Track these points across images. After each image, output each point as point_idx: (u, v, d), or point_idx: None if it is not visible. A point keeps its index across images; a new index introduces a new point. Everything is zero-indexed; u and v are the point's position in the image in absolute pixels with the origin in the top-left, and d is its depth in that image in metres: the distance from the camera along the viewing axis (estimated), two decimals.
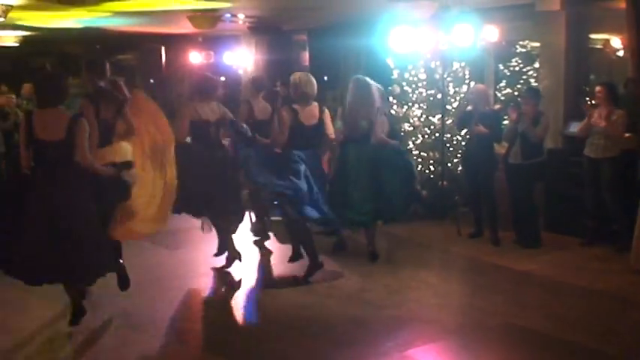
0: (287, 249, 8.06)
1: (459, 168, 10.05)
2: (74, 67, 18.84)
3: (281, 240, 8.94)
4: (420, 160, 10.44)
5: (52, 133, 5.59)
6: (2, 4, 10.70)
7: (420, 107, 10.55)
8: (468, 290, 7.41)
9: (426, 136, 10.48)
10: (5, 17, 11.01)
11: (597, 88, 8.46)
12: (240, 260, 7.87)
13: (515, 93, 10.67)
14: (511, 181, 8.77)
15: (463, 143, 9.97)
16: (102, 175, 5.81)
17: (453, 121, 10.15)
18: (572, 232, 8.96)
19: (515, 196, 8.75)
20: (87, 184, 5.71)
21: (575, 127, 9.23)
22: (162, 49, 18.29)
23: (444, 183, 9.96)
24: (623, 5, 8.80)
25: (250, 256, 8.43)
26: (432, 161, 10.39)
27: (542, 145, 8.73)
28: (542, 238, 8.80)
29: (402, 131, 10.58)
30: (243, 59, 15.92)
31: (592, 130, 8.34)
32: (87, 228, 5.66)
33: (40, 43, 18.08)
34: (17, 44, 16.62)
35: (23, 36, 16.02)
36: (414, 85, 10.60)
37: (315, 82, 7.62)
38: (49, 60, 20.89)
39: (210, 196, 7.34)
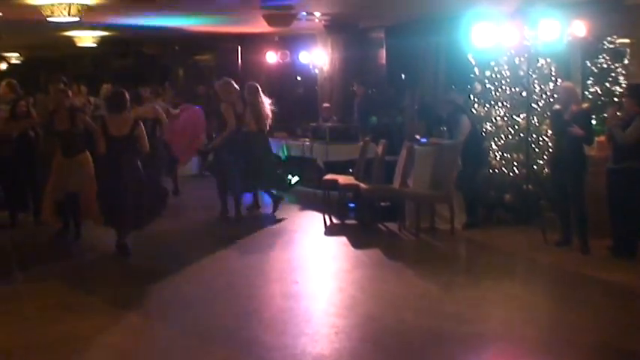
0: (358, 253, 7.88)
1: (545, 170, 9.64)
2: (150, 67, 19.13)
3: (354, 245, 8.83)
4: (503, 161, 10.14)
5: (120, 130, 8.35)
6: (78, 4, 10.74)
7: (503, 106, 10.28)
8: (555, 303, 7.02)
9: (510, 137, 10.18)
10: (81, 17, 11.05)
11: None
12: None
13: (599, 92, 10.20)
14: (608, 185, 8.27)
15: (550, 144, 9.51)
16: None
17: (538, 120, 9.72)
18: None
19: (611, 202, 8.25)
20: (138, 162, 8.48)
21: None
22: (239, 48, 18.25)
23: (529, 186, 9.60)
24: None
25: (318, 262, 8.33)
26: (515, 163, 10.05)
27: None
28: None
29: (483, 131, 10.29)
30: (319, 58, 15.71)
31: None
32: (140, 188, 8.41)
33: (118, 43, 18.30)
34: (95, 45, 16.81)
35: (101, 36, 16.17)
36: (496, 83, 10.35)
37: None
38: (127, 61, 21.25)
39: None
